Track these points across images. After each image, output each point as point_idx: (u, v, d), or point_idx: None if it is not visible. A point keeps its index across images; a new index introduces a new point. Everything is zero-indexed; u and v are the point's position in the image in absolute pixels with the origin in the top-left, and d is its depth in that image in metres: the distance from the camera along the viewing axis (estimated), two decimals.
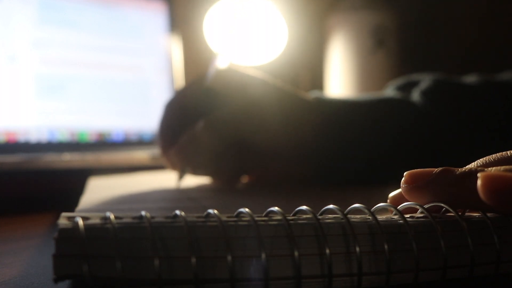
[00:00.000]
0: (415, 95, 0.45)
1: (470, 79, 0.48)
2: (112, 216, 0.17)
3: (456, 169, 0.20)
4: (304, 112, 0.42)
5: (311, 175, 0.43)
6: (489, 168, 0.19)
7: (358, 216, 0.19)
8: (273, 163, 0.42)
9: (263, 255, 0.16)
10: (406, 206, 0.20)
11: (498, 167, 0.19)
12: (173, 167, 0.43)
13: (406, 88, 0.48)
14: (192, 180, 0.44)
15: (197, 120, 0.40)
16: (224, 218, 0.18)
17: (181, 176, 0.41)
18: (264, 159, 0.42)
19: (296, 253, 0.17)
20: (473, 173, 0.19)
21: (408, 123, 0.43)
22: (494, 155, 0.21)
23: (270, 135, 0.40)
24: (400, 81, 0.50)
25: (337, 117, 0.42)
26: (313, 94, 0.45)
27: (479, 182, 0.17)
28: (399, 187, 0.21)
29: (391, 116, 0.43)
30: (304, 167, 0.42)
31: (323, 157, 0.41)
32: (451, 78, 0.48)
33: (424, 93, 0.45)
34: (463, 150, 0.42)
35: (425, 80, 0.47)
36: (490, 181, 0.17)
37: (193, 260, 0.16)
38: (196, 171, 0.43)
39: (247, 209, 0.18)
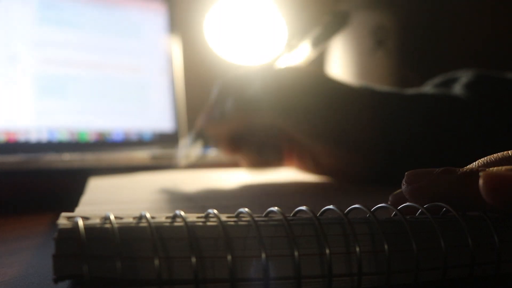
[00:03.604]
0: (457, 89, 0.43)
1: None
2: (112, 216, 0.17)
3: (457, 169, 0.20)
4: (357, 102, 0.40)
5: (368, 170, 0.40)
6: (491, 168, 0.19)
7: (358, 216, 0.19)
8: (318, 148, 0.40)
9: (263, 255, 0.16)
10: (406, 206, 0.20)
11: (500, 167, 0.19)
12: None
13: (444, 86, 0.46)
14: (190, 180, 0.44)
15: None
16: (224, 218, 0.18)
17: (193, 140, 0.41)
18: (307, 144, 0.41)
19: (296, 253, 0.17)
20: (474, 173, 0.19)
21: (461, 121, 0.41)
22: (495, 155, 0.21)
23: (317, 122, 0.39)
24: (437, 79, 0.48)
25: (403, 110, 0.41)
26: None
27: (480, 181, 0.17)
28: (400, 187, 0.21)
29: (451, 115, 0.41)
30: (362, 158, 0.40)
31: (389, 151, 0.39)
32: (491, 72, 0.46)
33: (467, 86, 0.43)
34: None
35: (464, 76, 0.45)
36: (492, 181, 0.17)
37: (193, 260, 0.16)
38: (218, 140, 0.42)
39: (247, 209, 0.18)
